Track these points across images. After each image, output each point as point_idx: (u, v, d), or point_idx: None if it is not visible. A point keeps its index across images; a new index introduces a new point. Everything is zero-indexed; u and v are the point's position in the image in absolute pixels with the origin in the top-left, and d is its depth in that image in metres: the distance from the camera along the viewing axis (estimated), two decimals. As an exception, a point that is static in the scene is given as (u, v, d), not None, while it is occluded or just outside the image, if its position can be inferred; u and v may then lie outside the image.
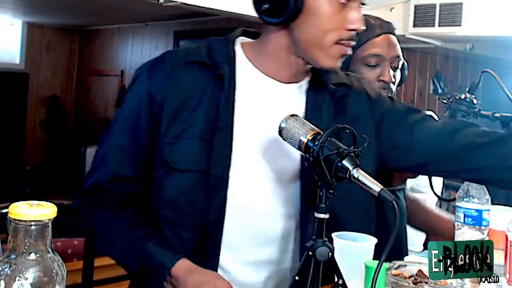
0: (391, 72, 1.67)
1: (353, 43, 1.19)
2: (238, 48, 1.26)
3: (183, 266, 1.12)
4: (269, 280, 1.24)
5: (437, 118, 1.56)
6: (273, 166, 1.22)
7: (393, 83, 1.68)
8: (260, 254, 1.23)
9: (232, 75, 1.21)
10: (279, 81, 1.24)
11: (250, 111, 1.22)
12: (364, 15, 1.77)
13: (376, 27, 1.69)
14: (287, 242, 1.24)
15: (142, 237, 1.17)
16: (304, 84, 1.27)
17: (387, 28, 1.71)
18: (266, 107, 1.23)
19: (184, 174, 1.18)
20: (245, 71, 1.23)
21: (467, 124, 1.29)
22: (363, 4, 1.20)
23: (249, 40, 1.29)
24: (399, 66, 1.70)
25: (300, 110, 1.24)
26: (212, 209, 1.18)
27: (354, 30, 1.16)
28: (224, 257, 1.21)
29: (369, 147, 1.17)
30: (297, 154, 1.21)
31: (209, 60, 1.21)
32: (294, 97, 1.25)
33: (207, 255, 1.19)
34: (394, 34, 1.72)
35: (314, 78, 1.28)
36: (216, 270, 1.19)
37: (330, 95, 1.27)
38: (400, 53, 1.70)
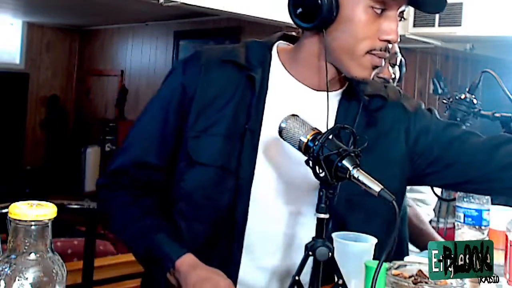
0: (390, 69, 1.68)
1: (387, 54, 1.16)
2: (274, 53, 1.25)
3: (187, 261, 1.12)
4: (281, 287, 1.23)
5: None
6: (295, 173, 1.19)
7: (393, 79, 1.69)
8: (276, 260, 1.22)
9: (265, 79, 1.21)
10: (311, 88, 1.22)
11: (279, 115, 1.16)
12: None
13: None
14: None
15: (155, 227, 1.18)
16: (338, 93, 1.25)
17: None
18: (295, 113, 1.17)
19: (204, 168, 1.19)
20: (278, 75, 1.23)
21: (508, 140, 1.24)
22: (402, 16, 1.17)
23: (286, 45, 1.28)
24: (397, 63, 1.71)
25: (330, 119, 1.21)
26: (238, 210, 1.18)
27: (387, 41, 1.14)
28: (243, 261, 1.20)
29: (394, 163, 1.19)
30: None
31: (244, 61, 1.22)
32: (323, 105, 1.19)
33: (231, 258, 1.19)
34: None
35: (348, 88, 1.26)
36: (236, 273, 1.19)
37: (364, 107, 1.24)
38: (398, 50, 1.71)
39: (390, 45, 1.15)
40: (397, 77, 1.72)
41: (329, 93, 1.17)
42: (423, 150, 1.25)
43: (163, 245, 1.15)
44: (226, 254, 1.20)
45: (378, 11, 1.12)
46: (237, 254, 1.19)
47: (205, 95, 1.21)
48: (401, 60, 1.74)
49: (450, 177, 1.25)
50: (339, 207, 1.18)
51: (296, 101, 1.22)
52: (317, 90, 1.22)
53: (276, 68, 1.23)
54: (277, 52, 1.25)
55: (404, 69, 1.78)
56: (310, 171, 1.16)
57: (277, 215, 1.21)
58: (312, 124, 1.06)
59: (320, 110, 1.19)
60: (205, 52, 1.26)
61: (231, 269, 1.18)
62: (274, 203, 1.21)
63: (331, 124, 1.19)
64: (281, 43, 1.27)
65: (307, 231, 1.11)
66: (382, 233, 1.17)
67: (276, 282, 1.22)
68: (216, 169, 1.18)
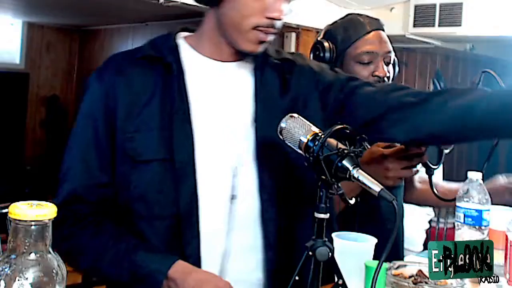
0: (385, 67, 1.68)
1: (273, 30, 1.22)
2: (180, 40, 1.31)
3: (180, 268, 1.12)
4: (246, 268, 1.24)
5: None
6: (234, 148, 1.25)
7: (388, 78, 1.69)
8: (236, 240, 1.23)
9: (178, 63, 1.26)
10: (221, 60, 1.28)
11: (202, 94, 1.26)
12: (352, 14, 1.79)
13: (366, 24, 1.71)
14: (265, 225, 1.25)
15: (130, 248, 1.17)
16: (248, 61, 1.31)
17: (376, 24, 1.73)
18: (215, 88, 1.27)
19: (149, 165, 1.20)
20: (190, 57, 1.28)
21: (401, 87, 1.33)
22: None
23: (188, 34, 1.34)
24: (391, 61, 1.72)
25: (249, 88, 1.29)
26: (182, 196, 1.19)
27: (272, 18, 1.20)
28: (202, 245, 1.20)
29: (318, 120, 1.21)
30: (250, 134, 1.26)
31: (155, 53, 1.26)
32: (240, 75, 1.30)
33: (184, 243, 1.19)
34: (383, 30, 1.73)
35: (259, 57, 1.31)
36: (196, 259, 1.19)
37: (277, 72, 1.32)
38: (391, 49, 1.72)
39: (278, 23, 1.22)
40: (391, 76, 1.72)
41: (240, 62, 1.29)
42: (334, 99, 1.34)
43: (147, 263, 1.14)
44: (191, 245, 1.20)
45: None
46: (194, 239, 1.20)
47: (127, 95, 1.23)
48: (394, 59, 1.74)
49: (360, 119, 1.30)
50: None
51: (211, 76, 1.28)
52: (228, 61, 1.29)
53: (186, 51, 1.29)
54: (184, 39, 1.31)
55: (397, 68, 1.78)
56: (246, 145, 1.24)
57: (227, 193, 1.23)
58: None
59: (236, 80, 1.29)
60: (116, 57, 1.31)
61: (189, 253, 1.18)
62: (222, 181, 1.23)
63: (250, 93, 1.28)
64: (183, 33, 1.33)
65: (256, 203, 1.23)
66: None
67: (241, 262, 1.24)
68: (160, 162, 1.20)
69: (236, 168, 1.24)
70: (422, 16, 3.66)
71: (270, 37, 1.23)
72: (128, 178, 1.21)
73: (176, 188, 1.19)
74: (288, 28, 3.73)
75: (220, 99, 1.27)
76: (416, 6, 3.69)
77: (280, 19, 1.21)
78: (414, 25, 3.70)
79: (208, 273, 1.12)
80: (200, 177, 1.21)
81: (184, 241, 1.19)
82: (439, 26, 3.59)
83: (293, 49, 3.78)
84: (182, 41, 1.31)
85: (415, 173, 1.48)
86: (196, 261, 1.19)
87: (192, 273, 1.11)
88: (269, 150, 1.25)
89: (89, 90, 1.27)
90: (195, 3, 1.30)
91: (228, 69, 1.29)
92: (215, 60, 1.28)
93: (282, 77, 1.33)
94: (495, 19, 3.45)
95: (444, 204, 2.08)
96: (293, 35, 3.75)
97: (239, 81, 1.30)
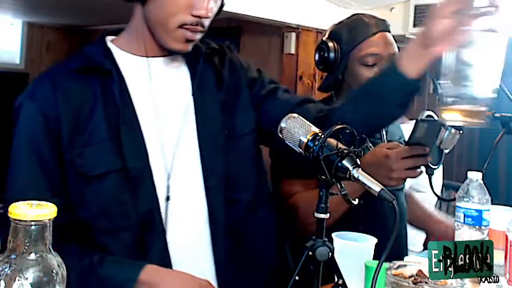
0: None
1: (200, 28, 1.21)
2: (110, 44, 1.28)
3: (152, 271, 1.10)
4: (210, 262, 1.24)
5: (436, 118, 1.56)
6: (182, 143, 1.24)
7: None
8: (201, 235, 1.23)
9: (117, 68, 1.23)
10: (154, 56, 1.26)
11: (146, 95, 1.24)
12: (359, 14, 1.78)
13: (372, 26, 1.69)
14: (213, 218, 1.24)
15: (95, 263, 1.13)
16: (179, 56, 1.30)
17: (382, 26, 1.71)
18: (156, 86, 1.25)
19: (103, 178, 1.16)
20: (123, 59, 1.25)
21: (311, 100, 1.38)
22: None
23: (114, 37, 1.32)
24: None
25: (186, 82, 1.29)
26: (142, 203, 1.16)
27: (198, 16, 1.18)
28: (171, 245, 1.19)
29: (249, 109, 1.30)
30: (191, 124, 1.26)
31: (91, 62, 1.22)
32: (175, 69, 1.30)
33: (153, 246, 1.17)
34: (389, 31, 1.72)
35: (192, 52, 1.30)
36: (166, 260, 1.17)
37: (210, 65, 1.33)
38: (397, 50, 1.70)
39: (205, 21, 1.20)
40: None
41: (173, 55, 1.27)
42: (254, 96, 1.37)
43: (114, 273, 1.11)
44: (160, 247, 1.18)
45: None
46: (162, 242, 1.18)
47: (69, 110, 1.17)
48: None
49: (270, 122, 1.30)
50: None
51: (152, 75, 1.25)
52: (161, 56, 1.27)
53: (119, 54, 1.26)
54: (112, 42, 1.28)
55: None
56: (191, 138, 1.23)
57: (192, 188, 1.23)
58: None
59: (173, 74, 1.28)
60: (46, 74, 1.25)
61: (159, 256, 1.17)
62: (183, 179, 1.22)
63: (188, 87, 1.28)
64: (109, 37, 1.31)
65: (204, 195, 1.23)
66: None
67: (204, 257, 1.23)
68: (114, 173, 1.16)
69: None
70: (422, 16, 3.66)
71: (198, 36, 1.22)
72: (84, 196, 1.16)
73: (135, 196, 1.16)
74: (288, 28, 3.73)
75: (163, 98, 1.25)
76: (416, 6, 3.68)
77: (207, 17, 1.19)
78: (414, 25, 3.70)
79: (185, 273, 1.11)
80: (156, 183, 1.19)
81: (148, 247, 1.17)
82: (439, 26, 3.59)
83: (293, 49, 3.77)
84: (112, 45, 1.28)
85: (419, 174, 1.47)
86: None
87: (170, 273, 1.10)
88: (212, 144, 1.25)
89: (23, 114, 1.20)
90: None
91: (161, 64, 1.27)
92: (149, 57, 1.26)
93: (215, 69, 1.33)
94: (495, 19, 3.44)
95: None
96: (293, 35, 3.75)
97: (176, 75, 1.29)
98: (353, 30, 1.69)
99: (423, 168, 1.53)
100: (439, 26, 1.05)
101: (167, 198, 1.20)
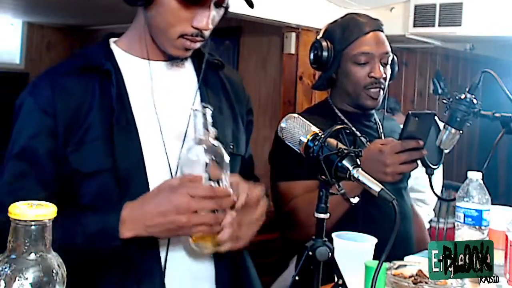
0: (381, 68, 1.68)
1: (200, 39, 1.21)
2: (113, 45, 1.28)
3: (129, 207, 1.09)
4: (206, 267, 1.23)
5: (437, 118, 1.56)
6: (183, 149, 1.22)
7: (384, 79, 1.69)
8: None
9: (117, 70, 1.23)
10: (156, 60, 1.26)
11: (147, 98, 1.23)
12: (352, 13, 1.79)
13: (364, 25, 1.71)
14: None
15: (77, 212, 1.13)
16: (186, 61, 1.31)
17: (375, 25, 1.72)
18: (156, 89, 1.24)
19: (94, 177, 1.16)
20: (125, 61, 1.26)
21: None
22: (221, 5, 1.21)
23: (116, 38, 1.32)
24: (389, 62, 1.72)
25: (191, 86, 1.30)
26: (130, 200, 1.14)
27: (198, 28, 1.18)
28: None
29: (244, 134, 1.32)
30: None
31: (92, 62, 1.22)
32: (177, 73, 1.29)
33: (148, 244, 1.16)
34: (382, 31, 1.73)
35: (193, 55, 1.31)
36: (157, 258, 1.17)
37: (217, 75, 1.34)
38: (389, 49, 1.71)
39: (206, 32, 1.20)
40: (388, 76, 1.72)
41: (177, 61, 1.27)
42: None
43: (96, 216, 1.11)
44: (153, 251, 1.17)
45: (188, 1, 1.16)
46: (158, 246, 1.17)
47: (67, 108, 1.17)
48: (393, 59, 1.74)
49: None
50: None
51: (154, 78, 1.25)
52: (164, 60, 1.27)
53: (120, 56, 1.26)
54: (115, 44, 1.29)
55: (396, 67, 1.77)
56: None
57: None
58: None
59: (178, 79, 1.28)
60: (46, 73, 1.25)
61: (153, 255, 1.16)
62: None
63: (193, 93, 1.28)
64: (112, 38, 1.31)
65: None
66: None
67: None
68: (105, 172, 1.16)
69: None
70: (422, 16, 3.66)
71: (198, 44, 1.22)
72: (76, 191, 1.17)
73: (125, 196, 1.15)
74: (288, 28, 3.73)
75: (162, 101, 1.24)
76: (416, 6, 3.69)
77: (207, 29, 1.19)
78: (414, 25, 3.70)
79: (160, 191, 1.09)
80: (152, 182, 1.18)
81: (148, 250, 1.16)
82: (439, 26, 3.59)
83: (293, 49, 3.77)
84: (114, 46, 1.28)
85: (415, 168, 1.48)
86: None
87: (145, 198, 1.09)
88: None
89: (23, 111, 1.21)
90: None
91: (163, 68, 1.27)
92: (150, 60, 1.26)
93: (221, 82, 1.35)
94: (495, 19, 3.45)
95: None
96: (293, 35, 3.75)
97: (179, 79, 1.29)
98: (346, 29, 1.71)
99: (424, 169, 1.53)
100: None
101: None
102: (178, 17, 1.16)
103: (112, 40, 1.30)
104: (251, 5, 1.23)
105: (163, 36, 1.20)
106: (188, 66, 1.32)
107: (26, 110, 1.21)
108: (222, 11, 1.23)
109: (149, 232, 1.08)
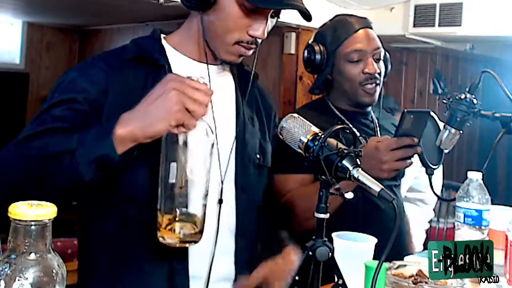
0: (375, 64, 1.69)
1: (254, 46, 1.24)
2: (163, 42, 1.30)
3: (122, 117, 1.06)
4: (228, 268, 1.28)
5: (437, 118, 1.56)
6: (220, 154, 1.26)
7: (379, 74, 1.70)
8: (220, 240, 1.25)
9: (169, 65, 1.25)
10: (205, 62, 1.27)
11: None
12: (340, 14, 1.81)
13: (353, 23, 1.73)
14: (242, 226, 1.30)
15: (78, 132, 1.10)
16: (226, 65, 1.34)
17: (364, 23, 1.75)
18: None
19: (139, 167, 1.16)
20: (175, 59, 1.28)
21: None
22: (277, 15, 1.24)
23: (165, 35, 1.33)
24: (381, 57, 1.73)
25: (231, 95, 1.34)
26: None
27: (253, 36, 1.21)
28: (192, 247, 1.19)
29: (270, 146, 1.36)
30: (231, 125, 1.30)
31: (146, 54, 1.24)
32: (222, 79, 1.33)
33: None
34: (371, 28, 1.75)
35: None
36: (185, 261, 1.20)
37: (252, 86, 1.37)
38: (380, 45, 1.73)
39: (259, 40, 1.23)
40: (383, 72, 1.73)
41: (221, 65, 1.32)
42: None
43: (94, 128, 1.09)
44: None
45: (250, 9, 1.18)
46: None
47: (117, 94, 1.18)
48: (385, 55, 1.75)
49: None
50: None
51: (209, 82, 1.26)
52: (212, 64, 1.29)
53: (171, 53, 1.28)
54: (165, 40, 1.30)
55: (390, 65, 1.78)
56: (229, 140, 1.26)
57: (216, 194, 1.24)
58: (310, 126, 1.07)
59: (220, 83, 1.30)
60: (101, 56, 1.26)
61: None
62: (212, 183, 1.17)
63: (232, 101, 1.33)
64: (163, 36, 1.32)
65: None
66: None
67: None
68: (149, 164, 1.14)
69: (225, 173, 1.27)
70: (422, 16, 3.66)
71: (251, 52, 1.25)
72: (118, 178, 1.16)
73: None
74: (288, 28, 3.73)
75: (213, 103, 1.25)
76: (416, 6, 3.69)
77: (263, 38, 1.22)
78: (414, 25, 3.70)
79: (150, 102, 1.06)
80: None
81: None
82: (439, 26, 3.59)
83: (293, 49, 3.77)
84: (165, 42, 1.30)
85: (410, 165, 1.48)
86: (185, 261, 1.20)
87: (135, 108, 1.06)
88: (245, 161, 1.31)
89: (68, 80, 1.20)
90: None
91: (212, 72, 1.29)
92: (199, 62, 1.28)
93: (254, 90, 1.38)
94: (495, 19, 3.44)
95: None
96: (293, 35, 3.75)
97: (223, 85, 1.32)
98: (337, 30, 1.74)
99: (424, 169, 1.53)
100: None
101: (219, 201, 1.25)
102: (237, 23, 1.19)
103: (162, 36, 1.31)
104: (308, 18, 1.22)
105: (220, 41, 1.22)
106: (227, 72, 1.36)
107: (73, 81, 1.19)
108: (275, 20, 1.26)
109: (143, 123, 1.04)
